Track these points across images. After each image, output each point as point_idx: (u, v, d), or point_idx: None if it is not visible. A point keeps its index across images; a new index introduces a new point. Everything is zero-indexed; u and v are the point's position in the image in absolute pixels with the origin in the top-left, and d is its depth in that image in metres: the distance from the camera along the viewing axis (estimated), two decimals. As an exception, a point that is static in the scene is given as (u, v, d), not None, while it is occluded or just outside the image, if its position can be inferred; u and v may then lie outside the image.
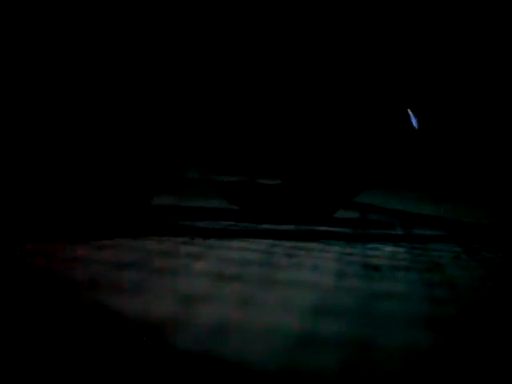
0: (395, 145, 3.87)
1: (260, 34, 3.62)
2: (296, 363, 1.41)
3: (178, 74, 3.45)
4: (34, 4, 3.27)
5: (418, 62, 3.88)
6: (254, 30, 3.61)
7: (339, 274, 2.43)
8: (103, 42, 3.42)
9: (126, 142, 3.43)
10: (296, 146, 3.84)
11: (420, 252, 3.13)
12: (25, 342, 1.45)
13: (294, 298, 2.01)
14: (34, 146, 3.27)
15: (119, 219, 3.46)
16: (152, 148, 3.47)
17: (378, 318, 1.84)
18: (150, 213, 3.94)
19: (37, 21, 3.33)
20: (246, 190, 3.88)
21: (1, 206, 3.21)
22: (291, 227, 3.70)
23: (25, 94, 3.28)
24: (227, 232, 3.36)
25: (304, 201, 3.89)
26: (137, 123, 3.44)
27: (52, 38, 3.34)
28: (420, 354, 1.54)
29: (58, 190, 3.30)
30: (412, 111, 3.76)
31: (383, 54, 3.80)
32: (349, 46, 3.75)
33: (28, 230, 3.02)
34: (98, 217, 3.38)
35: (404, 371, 1.41)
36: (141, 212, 3.54)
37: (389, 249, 3.15)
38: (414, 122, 3.59)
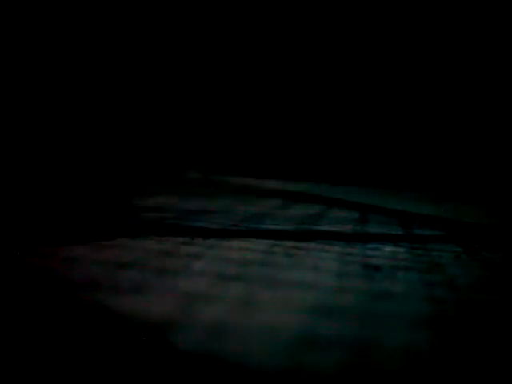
0: None
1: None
2: (296, 363, 1.41)
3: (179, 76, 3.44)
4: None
5: (418, 62, 3.88)
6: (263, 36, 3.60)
7: (339, 274, 2.43)
8: (105, 42, 3.42)
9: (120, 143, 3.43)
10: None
11: (420, 252, 3.13)
12: (25, 341, 1.45)
13: (294, 297, 2.01)
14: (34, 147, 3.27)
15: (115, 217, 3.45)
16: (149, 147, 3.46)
17: (378, 317, 1.84)
18: (146, 212, 3.94)
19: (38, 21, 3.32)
20: None
21: (1, 208, 3.21)
22: (291, 227, 3.70)
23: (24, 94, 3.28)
24: (227, 232, 3.36)
25: None
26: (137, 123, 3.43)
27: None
28: (420, 354, 1.54)
29: (58, 191, 3.29)
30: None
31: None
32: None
33: (28, 232, 3.02)
34: (96, 216, 3.38)
35: (404, 371, 1.41)
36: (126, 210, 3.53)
37: (389, 249, 3.15)
38: None
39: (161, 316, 1.70)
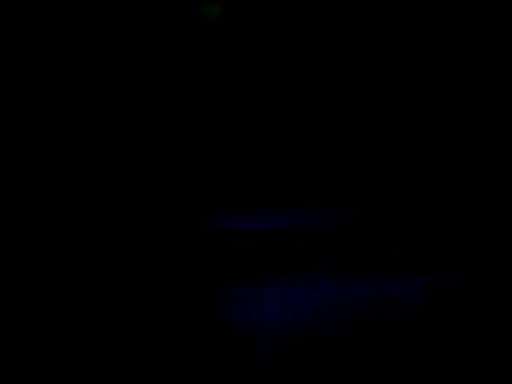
0: None
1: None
2: (296, 363, 1.41)
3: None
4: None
5: (417, 62, 3.88)
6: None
7: (338, 274, 2.43)
8: (110, 43, 3.42)
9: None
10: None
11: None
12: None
13: (295, 297, 2.00)
14: None
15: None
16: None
17: (378, 317, 1.83)
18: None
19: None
20: None
21: None
22: (291, 227, 3.68)
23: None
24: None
25: None
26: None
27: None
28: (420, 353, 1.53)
29: None
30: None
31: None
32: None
33: None
34: None
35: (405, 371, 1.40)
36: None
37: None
38: None
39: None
